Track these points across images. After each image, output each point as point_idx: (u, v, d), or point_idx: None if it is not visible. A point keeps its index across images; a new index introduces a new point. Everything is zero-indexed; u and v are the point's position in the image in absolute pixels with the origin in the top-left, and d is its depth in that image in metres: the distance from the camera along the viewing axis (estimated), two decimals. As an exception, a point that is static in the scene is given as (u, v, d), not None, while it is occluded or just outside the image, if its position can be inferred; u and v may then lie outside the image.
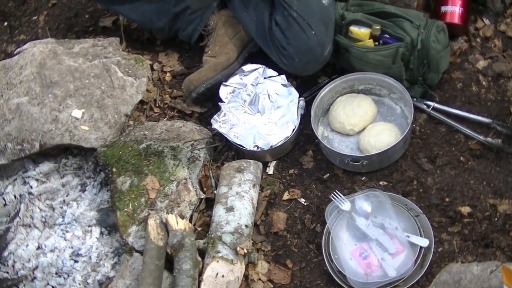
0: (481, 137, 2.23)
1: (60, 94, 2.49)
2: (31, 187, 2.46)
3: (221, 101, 2.44)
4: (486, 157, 2.22)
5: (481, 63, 2.42)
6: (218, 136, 2.45)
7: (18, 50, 2.70)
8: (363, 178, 2.27)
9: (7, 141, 2.44)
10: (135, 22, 2.82)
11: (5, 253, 2.35)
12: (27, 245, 2.34)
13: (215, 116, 2.39)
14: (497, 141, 2.21)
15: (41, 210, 2.41)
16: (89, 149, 2.43)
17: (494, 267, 1.81)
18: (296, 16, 2.26)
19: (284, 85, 2.44)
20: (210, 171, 2.36)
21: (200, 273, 2.04)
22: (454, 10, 2.44)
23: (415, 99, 2.33)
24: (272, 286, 2.13)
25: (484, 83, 2.38)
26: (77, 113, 2.45)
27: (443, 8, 2.45)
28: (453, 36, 2.45)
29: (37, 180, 2.47)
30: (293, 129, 2.34)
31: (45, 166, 2.48)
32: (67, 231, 2.33)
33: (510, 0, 2.50)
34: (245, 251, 2.06)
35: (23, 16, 3.13)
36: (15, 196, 2.46)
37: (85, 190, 2.43)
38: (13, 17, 3.15)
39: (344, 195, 2.15)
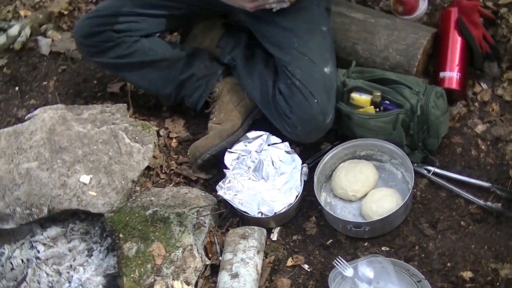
0: (481, 202, 2.25)
1: (69, 159, 2.53)
2: (39, 252, 2.48)
3: (226, 167, 2.47)
4: (486, 221, 2.23)
5: (480, 127, 2.45)
6: (223, 203, 2.47)
7: (28, 115, 2.75)
8: (365, 244, 2.28)
9: (16, 206, 2.47)
10: (142, 89, 2.87)
11: (13, 319, 2.37)
12: (34, 311, 2.36)
13: (220, 183, 2.42)
14: (497, 205, 2.22)
15: (48, 275, 2.42)
16: (96, 214, 2.45)
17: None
18: (299, 84, 2.31)
19: (287, 152, 2.47)
20: (215, 237, 2.38)
21: None
22: (452, 76, 2.48)
23: (415, 164, 2.35)
24: None
25: (483, 147, 2.40)
26: (85, 178, 2.49)
27: (441, 74, 2.50)
28: (452, 101, 2.49)
29: (44, 244, 2.50)
30: (297, 196, 2.37)
31: (53, 231, 2.51)
32: (74, 297, 2.36)
33: (506, 65, 2.55)
34: (250, 318, 2.08)
35: (34, 81, 3.19)
36: (22, 261, 2.48)
37: (92, 255, 2.44)
38: (24, 82, 3.20)
39: (347, 261, 2.16)
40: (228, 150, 2.52)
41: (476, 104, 2.52)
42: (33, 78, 3.21)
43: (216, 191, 2.42)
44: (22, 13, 3.54)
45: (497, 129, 2.43)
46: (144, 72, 2.66)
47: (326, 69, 2.36)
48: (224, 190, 2.41)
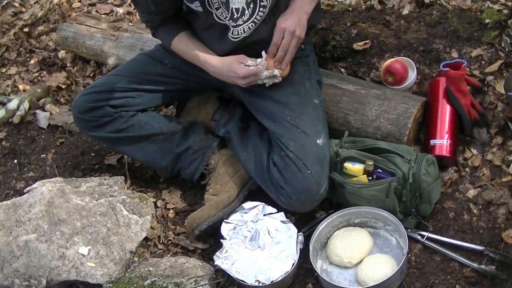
0: (475, 265, 2.26)
1: (68, 231, 2.56)
2: (37, 323, 2.49)
3: (223, 238, 2.50)
4: (481, 284, 2.24)
5: (471, 192, 2.48)
6: (220, 272, 2.48)
7: (27, 189, 2.77)
8: (362, 310, 2.29)
9: (14, 277, 2.49)
10: (139, 162, 2.91)
11: None
12: None
13: (217, 253, 2.44)
14: (491, 268, 2.24)
15: None
16: (95, 285, 2.47)
17: None
18: (292, 156, 2.35)
19: (283, 222, 2.51)
20: (214, 306, 2.40)
21: None
22: (443, 143, 2.53)
23: (409, 230, 2.38)
24: None
25: (475, 211, 2.43)
26: (84, 250, 2.51)
27: (432, 142, 2.54)
28: (443, 167, 2.53)
29: (43, 316, 2.51)
30: (293, 264, 2.38)
31: (51, 302, 2.52)
32: None
33: (495, 130, 2.59)
34: None
35: (32, 154, 3.24)
36: (21, 333, 2.49)
37: (91, 327, 2.46)
38: (22, 155, 3.25)
39: (344, 328, 2.18)
40: (225, 220, 2.54)
41: (467, 169, 2.56)
42: (31, 151, 3.26)
43: (213, 260, 2.44)
44: (20, 87, 3.63)
45: (489, 193, 2.45)
46: (140, 146, 2.71)
47: (319, 141, 2.41)
48: (221, 260, 2.43)
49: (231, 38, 2.42)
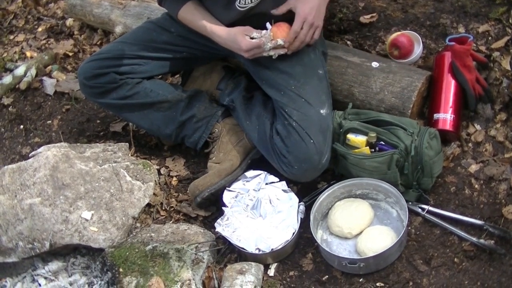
0: (475, 239, 2.28)
1: (71, 196, 2.58)
2: (40, 285, 2.52)
3: (225, 205, 2.52)
4: (479, 258, 2.26)
5: (473, 167, 2.49)
6: (221, 239, 2.50)
7: (33, 153, 2.80)
8: (360, 280, 2.31)
9: (18, 240, 2.52)
10: (144, 129, 2.93)
11: None
12: None
13: (218, 220, 2.47)
14: (490, 242, 2.25)
15: (49, 308, 2.47)
16: (97, 250, 2.50)
17: None
18: (295, 125, 2.37)
19: (284, 191, 2.52)
20: (214, 273, 2.41)
21: None
22: (446, 118, 2.53)
23: (410, 203, 2.40)
24: None
25: (476, 186, 2.44)
26: (87, 214, 2.54)
27: (435, 116, 2.55)
28: (445, 141, 2.54)
29: (45, 278, 2.54)
30: (293, 233, 2.41)
31: (54, 265, 2.55)
32: (73, 330, 2.39)
33: (499, 106, 2.59)
34: None
35: (38, 120, 3.26)
36: (23, 294, 2.52)
37: (92, 289, 2.49)
38: (29, 120, 3.27)
39: (342, 296, 2.20)
40: (227, 188, 2.57)
41: (470, 144, 2.56)
42: (37, 117, 3.28)
43: (214, 228, 2.47)
44: (28, 54, 3.65)
45: (490, 169, 2.46)
46: (145, 113, 2.72)
47: (322, 111, 2.42)
48: (222, 227, 2.45)
49: (238, 7, 2.42)
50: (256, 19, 2.45)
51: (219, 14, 2.50)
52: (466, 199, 2.43)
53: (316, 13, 2.35)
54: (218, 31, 2.47)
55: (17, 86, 3.44)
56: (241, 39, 2.39)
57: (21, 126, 3.28)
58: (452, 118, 2.54)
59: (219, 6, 2.47)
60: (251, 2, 2.40)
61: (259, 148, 2.58)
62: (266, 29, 2.40)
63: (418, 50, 2.76)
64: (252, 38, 2.38)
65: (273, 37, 2.38)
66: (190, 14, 2.54)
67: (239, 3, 2.41)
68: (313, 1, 2.35)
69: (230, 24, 2.47)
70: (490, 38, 2.71)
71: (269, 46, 2.38)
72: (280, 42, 2.37)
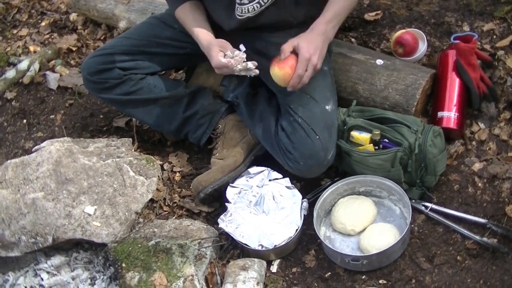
0: (478, 237, 2.28)
1: (74, 190, 2.58)
2: (42, 280, 2.52)
3: (228, 201, 2.52)
4: (482, 257, 2.26)
5: (477, 166, 2.49)
6: (224, 235, 2.50)
7: (36, 147, 2.80)
8: (363, 277, 2.31)
9: (21, 234, 2.52)
10: (147, 124, 2.93)
11: None
12: (36, 338, 2.39)
13: (222, 216, 2.47)
14: (493, 241, 2.26)
15: (51, 302, 2.47)
16: (99, 244, 2.50)
17: None
18: (301, 122, 2.37)
19: (288, 187, 2.52)
20: (216, 269, 2.41)
21: None
22: (450, 116, 2.53)
23: (413, 200, 2.40)
24: None
25: (480, 184, 2.44)
26: (90, 209, 2.54)
27: (439, 114, 2.55)
28: (449, 139, 2.54)
29: (48, 272, 2.54)
30: (297, 229, 2.41)
31: (57, 259, 2.55)
32: (76, 324, 2.39)
33: (503, 105, 2.59)
34: None
35: (41, 115, 3.26)
36: (26, 288, 2.53)
37: (95, 284, 2.49)
38: (32, 115, 3.27)
39: (345, 293, 2.20)
40: (230, 184, 2.56)
41: (474, 143, 2.56)
42: (40, 111, 3.28)
43: (217, 224, 2.46)
44: (31, 48, 3.64)
45: (494, 167, 2.46)
46: (149, 109, 2.72)
47: (327, 107, 2.42)
48: (225, 223, 2.45)
49: (237, 15, 2.42)
50: (256, 30, 2.46)
51: (222, 20, 2.50)
52: (470, 197, 2.43)
53: (320, 54, 2.28)
54: (201, 38, 2.46)
55: (20, 81, 3.44)
56: (214, 54, 2.36)
57: (24, 121, 3.27)
58: (456, 116, 2.54)
59: (221, 13, 2.48)
60: (249, 11, 2.39)
61: (264, 144, 2.58)
62: (245, 48, 2.34)
63: (422, 48, 2.76)
64: (225, 55, 2.36)
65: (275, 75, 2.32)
66: (184, 16, 2.53)
67: (238, 12, 2.40)
68: (316, 40, 2.28)
69: (231, 31, 2.47)
70: (495, 36, 2.72)
71: (239, 68, 2.33)
72: (250, 65, 2.33)
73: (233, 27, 2.47)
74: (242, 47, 2.34)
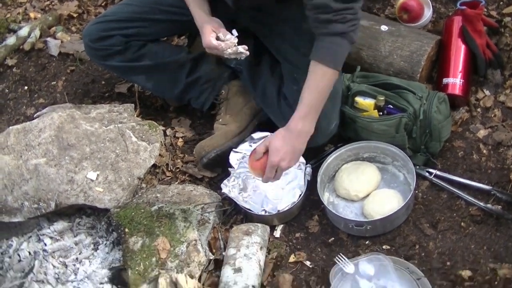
0: (482, 204, 2.28)
1: (77, 156, 2.57)
2: (45, 245, 2.52)
3: (231, 166, 2.52)
4: (486, 223, 2.27)
5: (482, 133, 2.49)
6: (227, 200, 2.50)
7: (38, 114, 2.80)
8: (366, 242, 2.31)
9: (24, 200, 2.51)
10: (150, 90, 2.92)
11: (19, 308, 2.40)
12: (40, 301, 2.39)
13: (225, 181, 2.46)
14: (497, 207, 2.26)
15: (54, 267, 2.46)
16: (102, 210, 2.50)
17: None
18: None
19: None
20: (219, 234, 2.41)
21: (208, 333, 2.10)
22: (455, 82, 2.52)
23: (417, 166, 2.39)
24: None
25: (484, 151, 2.44)
26: (92, 175, 2.53)
27: (444, 80, 2.54)
28: (454, 106, 2.53)
29: (51, 238, 2.54)
30: (300, 195, 2.41)
31: (60, 225, 2.55)
32: (79, 288, 2.40)
33: (509, 72, 2.58)
34: (252, 311, 2.11)
35: (43, 81, 3.23)
36: (29, 253, 2.52)
37: (98, 249, 2.49)
38: (33, 81, 3.25)
39: (348, 258, 2.18)
40: (234, 150, 2.55)
41: (479, 110, 2.56)
42: (42, 78, 3.26)
43: (220, 189, 2.46)
44: (32, 15, 3.61)
45: (499, 135, 2.46)
46: (151, 75, 2.71)
47: None
48: (229, 188, 2.44)
49: None
50: (250, 13, 2.47)
51: None
52: (474, 164, 2.43)
53: (290, 158, 2.21)
54: (196, 14, 2.43)
55: (21, 47, 3.40)
56: (206, 33, 2.33)
57: (26, 87, 3.25)
58: (461, 83, 2.52)
59: None
60: None
61: (267, 112, 2.57)
62: (237, 33, 2.34)
63: (428, 14, 2.74)
64: (218, 37, 2.33)
65: (251, 167, 2.28)
66: None
67: None
68: (287, 144, 2.20)
69: (235, 6, 2.43)
70: (501, 3, 2.71)
71: (229, 52, 2.31)
72: (241, 50, 2.31)
73: (229, 6, 2.43)
74: (234, 32, 2.33)
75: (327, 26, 2.12)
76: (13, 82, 3.29)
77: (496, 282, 2.11)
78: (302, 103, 2.20)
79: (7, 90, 3.27)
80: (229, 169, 2.51)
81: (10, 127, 2.72)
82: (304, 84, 2.19)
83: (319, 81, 2.18)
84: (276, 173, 2.23)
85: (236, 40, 2.30)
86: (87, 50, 2.74)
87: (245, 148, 2.56)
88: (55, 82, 3.21)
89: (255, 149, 2.26)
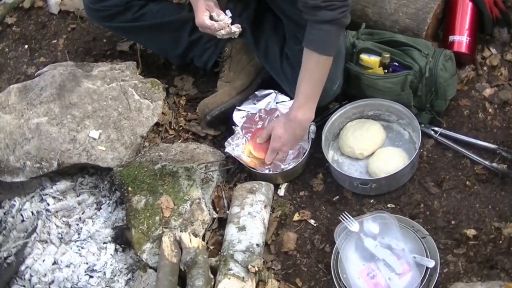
0: (487, 163, 2.27)
1: (79, 115, 2.56)
2: (48, 204, 2.52)
3: (235, 125, 2.50)
4: (491, 182, 2.26)
5: (488, 91, 2.47)
6: (231, 159, 2.49)
7: (38, 72, 2.77)
8: (371, 201, 2.31)
9: (26, 159, 2.50)
10: (152, 50, 2.89)
11: (22, 268, 2.41)
12: (43, 260, 2.39)
13: (229, 139, 2.44)
14: (502, 166, 2.25)
15: (57, 226, 2.47)
16: (105, 169, 2.49)
17: (498, 287, 1.85)
18: None
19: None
20: (223, 192, 2.41)
21: (212, 290, 2.09)
22: (462, 40, 2.49)
23: (423, 125, 2.38)
24: (282, 304, 2.17)
25: (490, 110, 2.43)
26: (95, 133, 2.52)
27: (451, 38, 2.51)
28: (460, 64, 2.50)
29: (54, 197, 2.54)
30: (304, 153, 2.40)
31: (62, 185, 2.55)
32: (82, 248, 2.40)
33: (516, 31, 2.56)
34: (256, 269, 2.10)
35: (43, 40, 3.20)
36: (32, 213, 2.52)
37: (101, 208, 2.49)
38: (33, 40, 3.21)
39: (352, 216, 2.19)
40: (237, 108, 2.54)
41: (485, 68, 2.54)
42: (42, 36, 3.22)
43: (224, 147, 2.44)
44: (31, -28, 3.55)
45: (505, 93, 2.44)
46: (153, 35, 2.68)
47: None
48: (232, 146, 2.43)
49: None
50: None
51: None
52: (480, 123, 2.42)
53: (291, 144, 2.37)
54: None
55: (20, 5, 3.37)
56: (199, 12, 2.29)
57: (26, 46, 3.22)
58: (468, 40, 2.49)
59: None
60: None
61: (270, 71, 2.54)
62: (231, 14, 2.30)
63: (434, -30, 2.68)
64: (211, 16, 2.29)
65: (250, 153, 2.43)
66: None
67: None
68: (288, 131, 2.32)
69: None
70: (510, -41, 2.65)
71: (222, 33, 2.28)
72: (234, 29, 2.28)
73: None
74: (228, 12, 2.29)
75: (316, 13, 2.10)
76: (13, 41, 3.26)
77: (500, 241, 2.12)
78: (299, 93, 2.27)
79: (7, 49, 3.24)
80: (233, 127, 2.50)
81: (11, 86, 2.71)
82: (300, 73, 2.25)
83: (313, 69, 2.23)
84: (277, 156, 2.35)
85: (229, 21, 2.27)
86: (87, 11, 2.71)
87: (248, 106, 2.54)
88: (55, 41, 3.18)
89: (257, 131, 2.39)
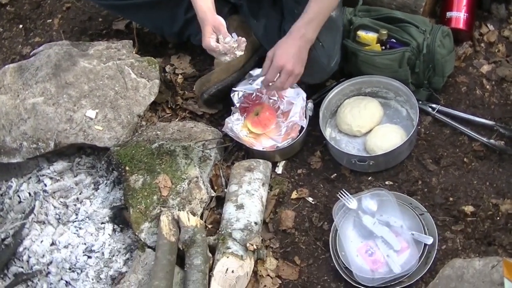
0: (485, 139, 2.27)
1: (75, 94, 2.54)
2: (45, 185, 2.51)
3: (233, 105, 2.50)
4: (489, 159, 2.27)
5: (485, 68, 2.47)
6: (228, 137, 2.48)
7: (34, 51, 2.75)
8: (369, 178, 2.31)
9: (22, 140, 2.49)
10: (148, 28, 2.88)
11: (20, 249, 2.40)
12: (41, 241, 2.39)
13: (227, 119, 2.44)
14: (500, 143, 2.25)
15: (55, 207, 2.46)
16: (102, 149, 2.48)
17: (496, 262, 1.85)
18: None
19: (291, 88, 2.46)
20: (221, 170, 2.41)
21: (211, 269, 2.10)
22: (459, 16, 2.48)
23: (420, 102, 2.37)
24: (280, 281, 2.17)
25: (488, 87, 2.42)
26: (91, 113, 2.50)
27: (448, 14, 2.50)
28: (458, 41, 2.50)
29: (51, 178, 2.53)
30: (301, 130, 2.39)
31: (59, 165, 2.54)
32: (80, 228, 2.39)
33: (514, 7, 2.55)
34: (255, 247, 2.11)
35: (38, 19, 3.19)
36: (29, 194, 2.52)
37: (98, 189, 2.48)
38: (28, 20, 3.20)
39: (350, 194, 2.19)
40: (233, 89, 2.52)
41: (482, 44, 2.53)
42: (37, 16, 3.21)
43: (221, 125, 2.44)
44: (25, -50, 3.51)
45: (503, 70, 2.44)
46: (149, 13, 2.66)
47: (332, 13, 2.32)
48: (231, 125, 2.42)
49: None
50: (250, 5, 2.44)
51: None
52: (477, 100, 2.41)
53: (295, 60, 2.23)
54: (198, 6, 2.31)
55: (14, -15, 3.35)
56: (206, 33, 2.25)
57: (21, 26, 3.21)
58: (465, 16, 2.49)
59: None
60: None
61: (267, 48, 2.47)
62: (237, 37, 2.26)
63: None
64: (217, 39, 2.26)
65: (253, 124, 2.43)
66: None
67: None
68: (292, 47, 2.23)
69: None
70: None
71: (226, 59, 2.26)
72: (238, 53, 2.25)
73: None
74: (234, 35, 2.26)
75: None
76: (8, 21, 3.24)
77: (498, 218, 2.13)
78: (308, 11, 2.21)
79: (1, 29, 3.23)
80: (232, 108, 2.50)
81: (6, 66, 2.70)
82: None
83: None
84: (280, 78, 2.25)
85: (235, 45, 2.24)
86: (83, -10, 2.70)
87: (244, 86, 2.53)
88: (51, 20, 3.16)
89: (253, 107, 2.42)
